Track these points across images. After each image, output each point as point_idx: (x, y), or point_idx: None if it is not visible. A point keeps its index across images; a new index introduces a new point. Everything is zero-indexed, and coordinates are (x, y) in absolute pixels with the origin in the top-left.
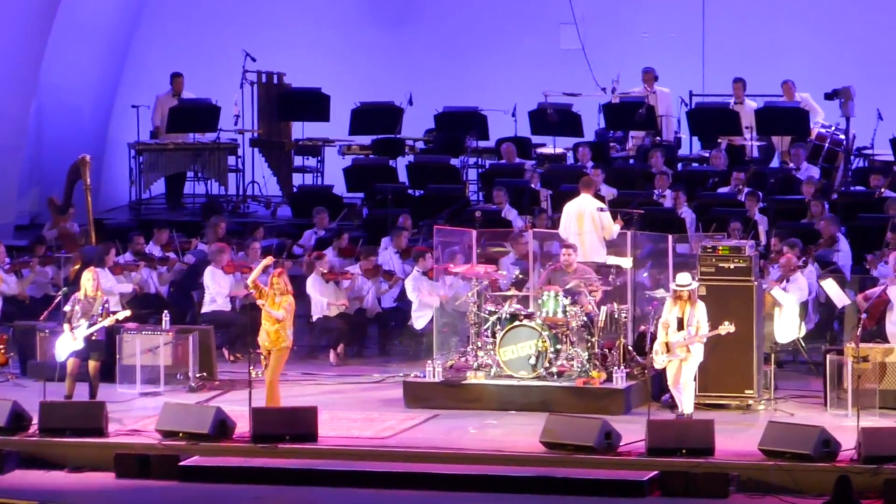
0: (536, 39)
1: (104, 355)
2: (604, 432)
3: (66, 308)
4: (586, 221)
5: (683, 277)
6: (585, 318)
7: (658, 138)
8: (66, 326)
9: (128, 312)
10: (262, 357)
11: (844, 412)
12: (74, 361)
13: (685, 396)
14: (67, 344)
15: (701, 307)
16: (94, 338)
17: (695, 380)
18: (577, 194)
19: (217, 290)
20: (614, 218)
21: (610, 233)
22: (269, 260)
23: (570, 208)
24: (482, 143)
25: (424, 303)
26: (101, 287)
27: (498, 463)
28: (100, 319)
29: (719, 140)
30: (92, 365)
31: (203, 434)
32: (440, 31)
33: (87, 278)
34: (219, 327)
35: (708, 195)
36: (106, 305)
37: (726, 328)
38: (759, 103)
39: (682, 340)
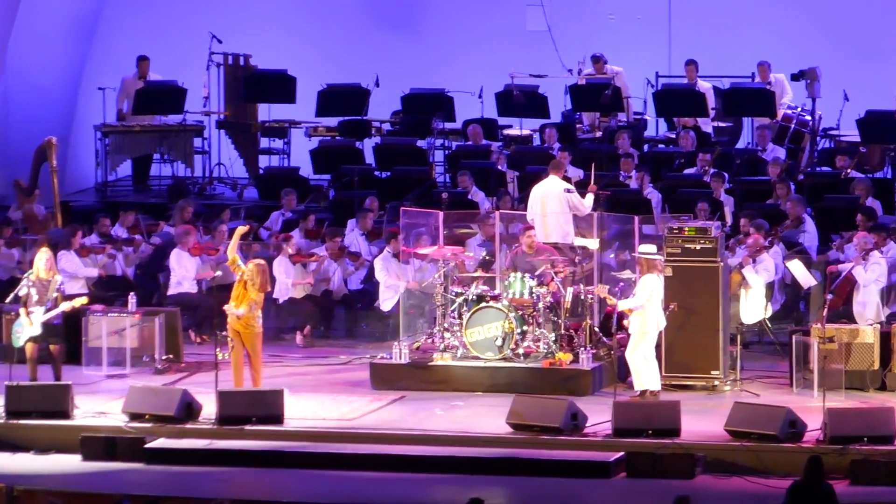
0: (503, 21)
1: (62, 339)
2: (570, 413)
3: (21, 292)
4: (551, 203)
5: (646, 247)
6: (552, 300)
7: (623, 120)
8: (21, 311)
9: (84, 299)
10: (229, 339)
11: (810, 393)
12: (32, 346)
13: (632, 373)
14: (24, 329)
15: (644, 280)
16: (51, 322)
17: (647, 358)
18: (546, 176)
19: (183, 273)
20: (587, 185)
21: (582, 211)
22: (244, 228)
23: (537, 190)
24: (448, 125)
25: (391, 284)
26: (61, 269)
27: (464, 444)
28: (56, 303)
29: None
30: (52, 348)
31: (169, 416)
32: (406, 13)
33: (40, 259)
34: (185, 309)
35: (674, 176)
36: (61, 287)
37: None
38: (726, 84)
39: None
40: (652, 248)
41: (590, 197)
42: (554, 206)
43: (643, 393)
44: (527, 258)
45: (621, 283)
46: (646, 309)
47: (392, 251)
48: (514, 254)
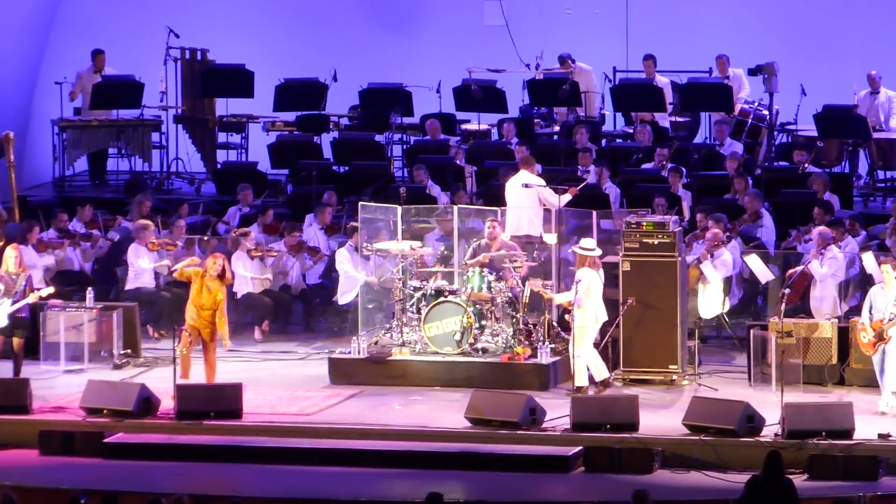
0: (460, 15)
1: (28, 332)
2: (528, 408)
3: None
4: (521, 197)
5: (586, 241)
6: (510, 294)
7: (583, 114)
8: None
9: (51, 289)
10: (187, 333)
11: (768, 387)
12: None
13: (575, 368)
14: None
15: (579, 274)
16: (18, 315)
17: (576, 357)
18: (516, 171)
19: (141, 267)
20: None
21: (554, 206)
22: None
23: (508, 185)
24: (407, 120)
25: (353, 275)
26: (25, 263)
27: (423, 439)
28: (24, 295)
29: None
30: (16, 342)
31: (127, 411)
32: (364, 7)
33: (10, 255)
34: (143, 304)
35: (632, 171)
36: (29, 282)
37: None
38: (683, 79)
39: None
40: (591, 242)
41: (566, 197)
42: (523, 200)
43: (603, 382)
44: (487, 251)
45: (579, 279)
46: (584, 303)
47: (354, 244)
48: (476, 247)
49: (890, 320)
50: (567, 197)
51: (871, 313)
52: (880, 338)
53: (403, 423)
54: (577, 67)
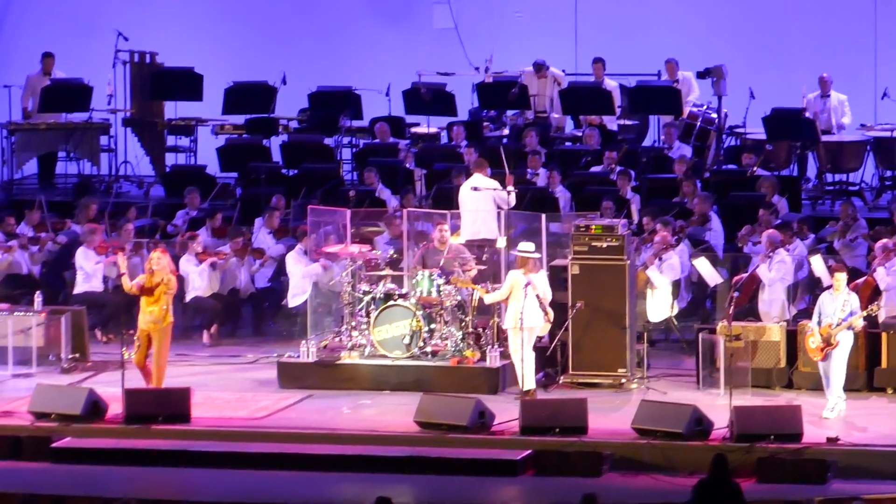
0: (410, 19)
1: None
2: (477, 411)
3: None
4: (475, 201)
5: (524, 244)
6: (459, 298)
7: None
8: None
9: None
10: (136, 339)
11: (717, 391)
12: None
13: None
14: None
15: (508, 275)
16: None
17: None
18: (470, 175)
19: (89, 271)
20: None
21: (506, 204)
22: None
23: (462, 189)
24: (356, 123)
25: (308, 273)
26: None
27: (372, 443)
28: None
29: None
30: None
31: (75, 415)
32: (313, 10)
33: None
34: (91, 308)
35: (581, 174)
36: None
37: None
38: (632, 82)
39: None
40: (530, 245)
41: (511, 190)
42: (478, 203)
43: (527, 392)
44: (436, 255)
45: (529, 282)
46: (510, 304)
47: (304, 248)
48: (425, 250)
49: (838, 325)
50: (512, 190)
51: (819, 318)
52: (828, 343)
53: (352, 427)
54: (551, 74)
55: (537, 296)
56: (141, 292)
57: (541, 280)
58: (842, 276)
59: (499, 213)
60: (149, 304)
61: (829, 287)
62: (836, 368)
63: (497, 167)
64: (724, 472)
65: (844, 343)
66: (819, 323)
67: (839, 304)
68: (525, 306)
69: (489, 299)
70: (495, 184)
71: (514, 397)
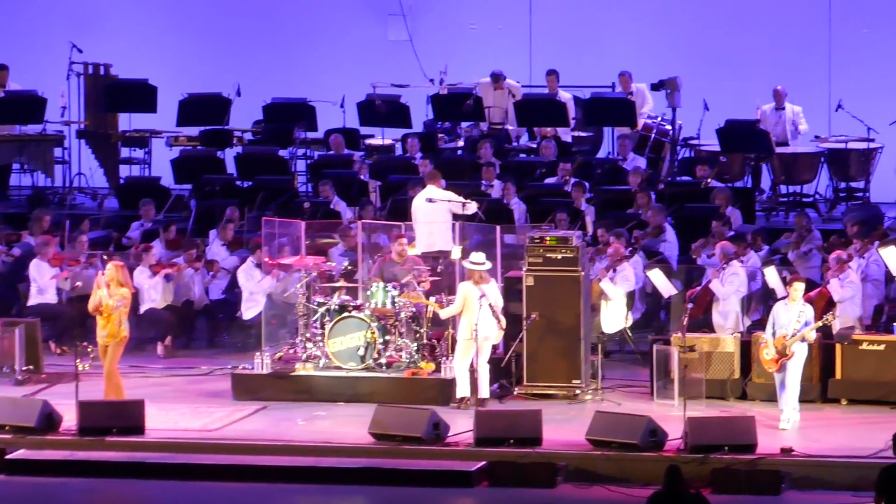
0: (364, 30)
1: None
2: (432, 423)
3: None
4: (435, 212)
5: (475, 255)
6: (414, 310)
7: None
8: None
9: None
10: (89, 350)
11: (671, 402)
12: None
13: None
14: None
15: (459, 287)
16: None
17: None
18: (423, 186)
19: (43, 283)
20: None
21: (467, 211)
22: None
23: (416, 201)
24: (311, 135)
25: (261, 287)
26: None
27: (326, 454)
28: None
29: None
30: None
31: (29, 427)
32: (268, 22)
33: None
34: (45, 320)
35: (535, 186)
36: None
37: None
38: (586, 94)
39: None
40: (481, 256)
41: (472, 205)
42: (432, 216)
43: (461, 400)
44: (393, 267)
45: (483, 294)
46: (463, 317)
47: (255, 261)
48: (381, 262)
49: (793, 336)
50: (473, 205)
51: (773, 329)
52: (783, 354)
53: (307, 439)
54: (508, 85)
55: (490, 305)
56: (97, 312)
57: (492, 290)
58: (800, 286)
59: (453, 224)
60: (103, 318)
61: (783, 297)
62: (791, 379)
63: (453, 179)
64: (679, 484)
65: (799, 354)
66: (773, 334)
67: (794, 315)
68: (480, 317)
69: (445, 314)
70: (450, 195)
71: (454, 407)
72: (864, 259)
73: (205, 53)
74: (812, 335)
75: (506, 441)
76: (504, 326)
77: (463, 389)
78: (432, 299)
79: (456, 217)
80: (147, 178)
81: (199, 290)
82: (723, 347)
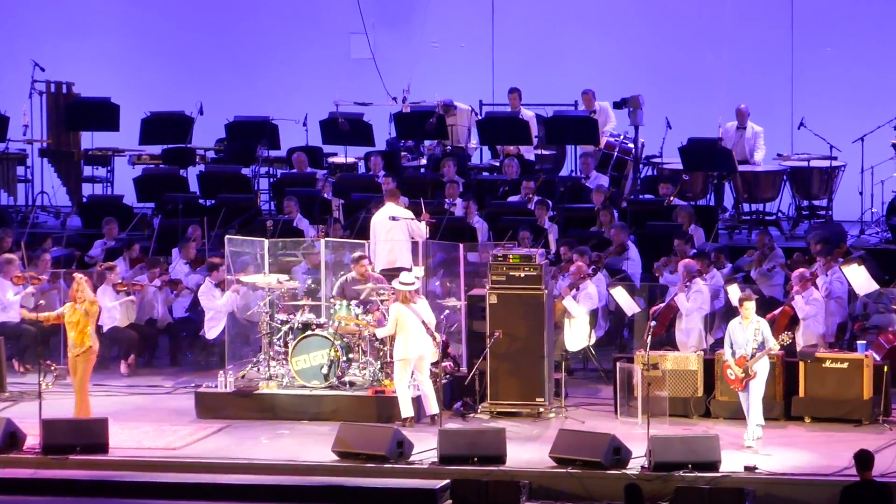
0: (327, 48)
1: None
2: (396, 441)
3: None
4: (394, 230)
5: (404, 276)
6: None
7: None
8: None
9: None
10: (53, 368)
11: (635, 420)
12: None
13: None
14: None
15: (391, 309)
16: None
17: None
18: (382, 204)
19: (6, 301)
20: (418, 215)
21: (422, 237)
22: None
23: (376, 218)
24: (273, 153)
25: (222, 305)
26: None
27: (290, 473)
28: None
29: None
30: None
31: None
32: (230, 40)
33: None
34: (8, 338)
35: (498, 204)
36: None
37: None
38: (549, 112)
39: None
40: (409, 276)
41: (423, 224)
42: (397, 233)
43: (405, 420)
44: (356, 285)
45: (447, 311)
46: (397, 337)
47: (214, 281)
48: (344, 281)
49: (753, 356)
50: (424, 224)
51: (732, 349)
52: (746, 374)
53: (271, 457)
54: (459, 109)
55: (423, 322)
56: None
57: (423, 307)
58: (750, 305)
59: (414, 243)
60: (69, 332)
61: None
62: (754, 395)
63: (415, 197)
64: (638, 501)
65: (761, 371)
66: (733, 353)
67: (750, 334)
68: (411, 336)
69: (380, 334)
70: (409, 213)
71: (399, 425)
72: (827, 276)
73: (167, 72)
74: (777, 348)
75: (470, 459)
76: (439, 342)
77: (406, 409)
78: (369, 318)
79: (413, 237)
80: (110, 196)
81: (162, 308)
82: (686, 365)
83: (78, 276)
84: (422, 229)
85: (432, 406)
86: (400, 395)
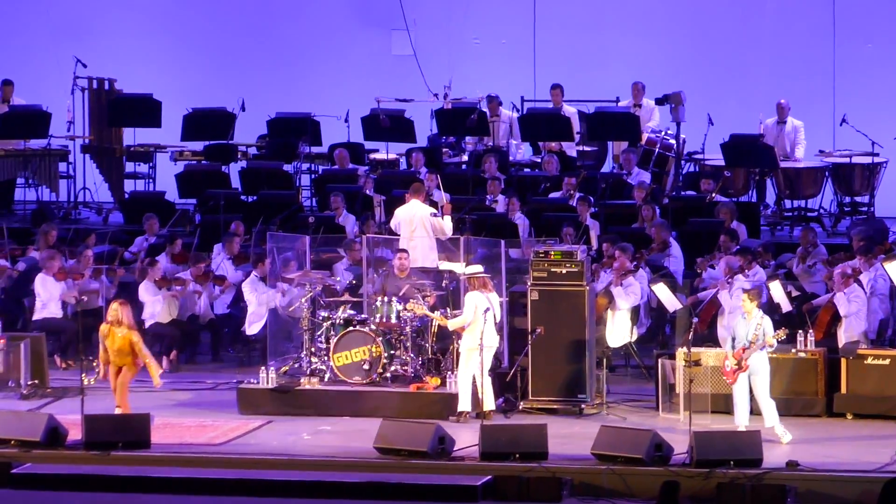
0: (368, 45)
1: None
2: (437, 437)
3: None
4: (417, 227)
5: (472, 267)
6: (419, 324)
7: (491, 143)
8: None
9: None
10: (94, 364)
11: (676, 416)
12: None
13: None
14: None
15: (468, 297)
16: None
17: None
18: (407, 200)
19: (48, 297)
20: (442, 212)
21: (443, 233)
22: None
23: (401, 214)
24: (315, 149)
25: (265, 301)
26: None
27: (332, 469)
28: None
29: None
30: None
31: (35, 441)
32: (271, 37)
33: None
34: (50, 334)
35: (540, 200)
36: None
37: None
38: (591, 108)
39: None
40: (478, 267)
41: (447, 220)
42: (419, 230)
43: (460, 414)
44: (397, 282)
45: (487, 308)
46: (474, 326)
47: (259, 275)
48: (384, 276)
49: (747, 348)
50: (448, 219)
51: (733, 343)
52: (739, 366)
53: (312, 453)
54: (500, 112)
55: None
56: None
57: (494, 299)
58: (748, 300)
59: (439, 240)
60: (113, 350)
61: (789, 312)
62: (762, 394)
63: (457, 194)
64: (674, 499)
65: (762, 368)
66: (733, 346)
67: (752, 328)
68: (486, 327)
69: (454, 325)
70: (432, 210)
71: (453, 420)
72: (870, 273)
73: (209, 68)
74: (773, 343)
75: (511, 455)
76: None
77: (465, 403)
78: (437, 313)
79: (436, 234)
80: (152, 192)
81: (205, 304)
82: None
83: (114, 305)
84: (445, 226)
85: (488, 402)
86: (462, 388)
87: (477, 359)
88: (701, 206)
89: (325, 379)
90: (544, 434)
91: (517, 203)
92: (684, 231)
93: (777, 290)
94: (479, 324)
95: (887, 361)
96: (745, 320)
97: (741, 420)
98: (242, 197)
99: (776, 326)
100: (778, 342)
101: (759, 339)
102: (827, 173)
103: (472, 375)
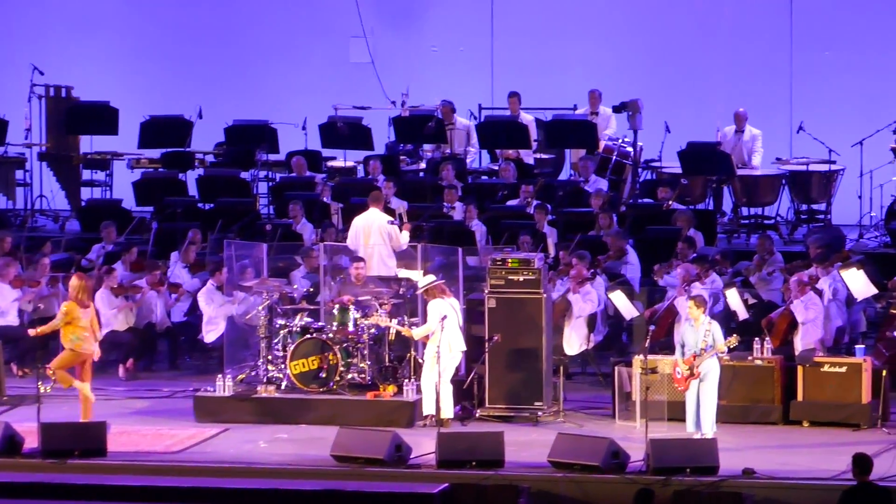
0: (326, 52)
1: None
2: (394, 445)
3: None
4: (374, 235)
5: (426, 278)
6: (375, 332)
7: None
8: None
9: None
10: (51, 373)
11: (633, 424)
12: None
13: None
14: None
15: (431, 305)
16: None
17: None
18: (366, 209)
19: (4, 305)
20: (401, 225)
21: (398, 244)
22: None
23: (358, 222)
24: (272, 157)
25: (222, 311)
26: None
27: (289, 477)
28: None
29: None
30: None
31: None
32: (229, 44)
33: None
34: (7, 342)
35: (497, 208)
36: None
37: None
38: (548, 116)
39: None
40: (430, 277)
41: (405, 233)
42: (376, 238)
43: (426, 418)
44: (354, 290)
45: (445, 315)
46: (437, 333)
47: (215, 283)
48: (341, 284)
49: (698, 355)
50: (406, 234)
51: (682, 350)
52: (691, 373)
53: (269, 461)
54: (456, 120)
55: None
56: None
57: (455, 304)
58: (694, 307)
59: (401, 250)
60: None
61: (745, 320)
62: (706, 403)
63: (414, 201)
64: None
65: (712, 374)
66: (683, 353)
67: (700, 335)
68: (450, 333)
69: (420, 333)
70: (389, 217)
71: (420, 424)
72: (829, 279)
73: (166, 75)
74: (724, 349)
75: (468, 463)
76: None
77: (430, 406)
78: (395, 321)
79: (392, 244)
80: (108, 200)
81: (161, 312)
82: None
83: (75, 281)
84: (401, 238)
85: (445, 409)
86: (426, 393)
87: (438, 365)
88: (658, 214)
89: (282, 387)
90: (501, 442)
91: (475, 210)
92: (642, 239)
93: (734, 298)
94: (440, 332)
95: (844, 369)
96: (693, 327)
97: (692, 427)
98: (200, 205)
99: (730, 334)
100: (729, 348)
101: (709, 346)
102: (784, 181)
103: (434, 380)
